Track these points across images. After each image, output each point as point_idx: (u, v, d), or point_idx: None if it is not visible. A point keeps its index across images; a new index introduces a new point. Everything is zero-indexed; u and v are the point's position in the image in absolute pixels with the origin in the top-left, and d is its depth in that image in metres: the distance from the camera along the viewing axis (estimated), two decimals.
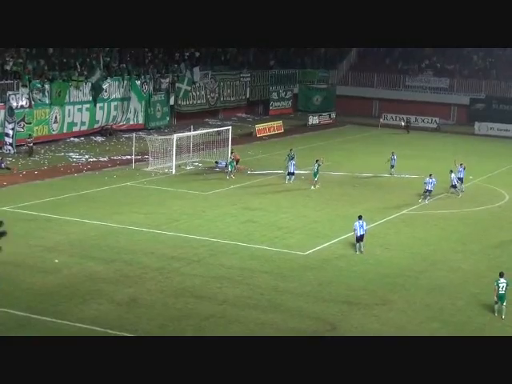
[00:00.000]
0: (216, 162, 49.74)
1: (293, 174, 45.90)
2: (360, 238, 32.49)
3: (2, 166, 45.97)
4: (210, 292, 27.09)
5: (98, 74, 57.28)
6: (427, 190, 42.38)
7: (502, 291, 26.06)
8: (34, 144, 50.93)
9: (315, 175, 44.85)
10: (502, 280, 26.24)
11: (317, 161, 45.12)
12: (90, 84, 56.95)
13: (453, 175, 44.22)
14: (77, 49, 58.30)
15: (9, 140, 50.55)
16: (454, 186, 44.25)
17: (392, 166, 49.77)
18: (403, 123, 72.61)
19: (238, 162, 48.20)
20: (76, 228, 34.19)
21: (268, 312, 25.47)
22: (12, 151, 50.37)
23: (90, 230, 34.02)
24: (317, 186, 44.86)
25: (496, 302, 26.12)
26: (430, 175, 42.72)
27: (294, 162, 46.08)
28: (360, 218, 32.81)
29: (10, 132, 50.52)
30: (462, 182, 45.24)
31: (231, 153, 48.74)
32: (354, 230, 32.61)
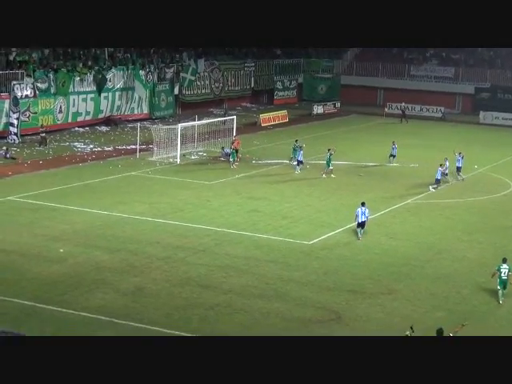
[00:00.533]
0: (222, 148, 49.71)
1: (301, 162, 45.84)
2: (361, 225, 32.56)
3: (7, 155, 46.01)
4: (215, 281, 27.11)
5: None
6: (437, 179, 42.50)
7: (504, 276, 26.08)
8: (45, 133, 50.89)
9: (328, 164, 44.78)
10: (504, 266, 26.25)
11: (329, 150, 45.03)
12: (93, 76, 56.95)
13: (447, 163, 44.09)
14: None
15: (14, 130, 50.54)
16: (445, 174, 44.20)
17: (393, 156, 49.58)
18: (402, 105, 72.33)
19: (237, 151, 47.94)
20: (81, 217, 34.20)
21: (273, 301, 25.48)
22: (17, 141, 50.37)
23: (94, 219, 34.04)
24: (326, 174, 44.75)
25: (499, 289, 26.16)
26: (441, 165, 42.88)
27: (301, 152, 45.97)
28: (363, 204, 32.90)
29: (15, 122, 50.51)
30: (459, 170, 45.23)
31: (232, 143, 48.67)
32: (356, 215, 32.73)
